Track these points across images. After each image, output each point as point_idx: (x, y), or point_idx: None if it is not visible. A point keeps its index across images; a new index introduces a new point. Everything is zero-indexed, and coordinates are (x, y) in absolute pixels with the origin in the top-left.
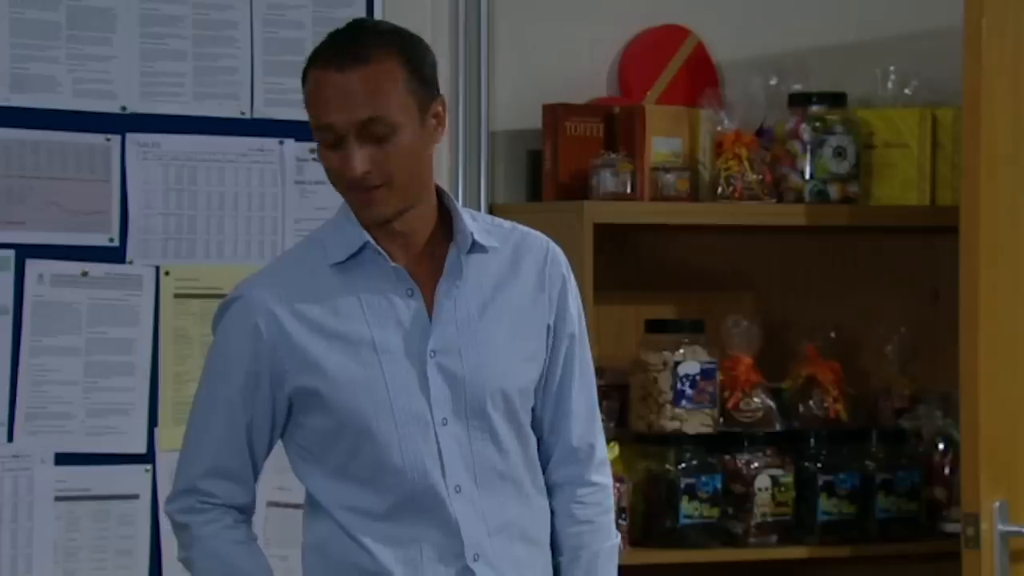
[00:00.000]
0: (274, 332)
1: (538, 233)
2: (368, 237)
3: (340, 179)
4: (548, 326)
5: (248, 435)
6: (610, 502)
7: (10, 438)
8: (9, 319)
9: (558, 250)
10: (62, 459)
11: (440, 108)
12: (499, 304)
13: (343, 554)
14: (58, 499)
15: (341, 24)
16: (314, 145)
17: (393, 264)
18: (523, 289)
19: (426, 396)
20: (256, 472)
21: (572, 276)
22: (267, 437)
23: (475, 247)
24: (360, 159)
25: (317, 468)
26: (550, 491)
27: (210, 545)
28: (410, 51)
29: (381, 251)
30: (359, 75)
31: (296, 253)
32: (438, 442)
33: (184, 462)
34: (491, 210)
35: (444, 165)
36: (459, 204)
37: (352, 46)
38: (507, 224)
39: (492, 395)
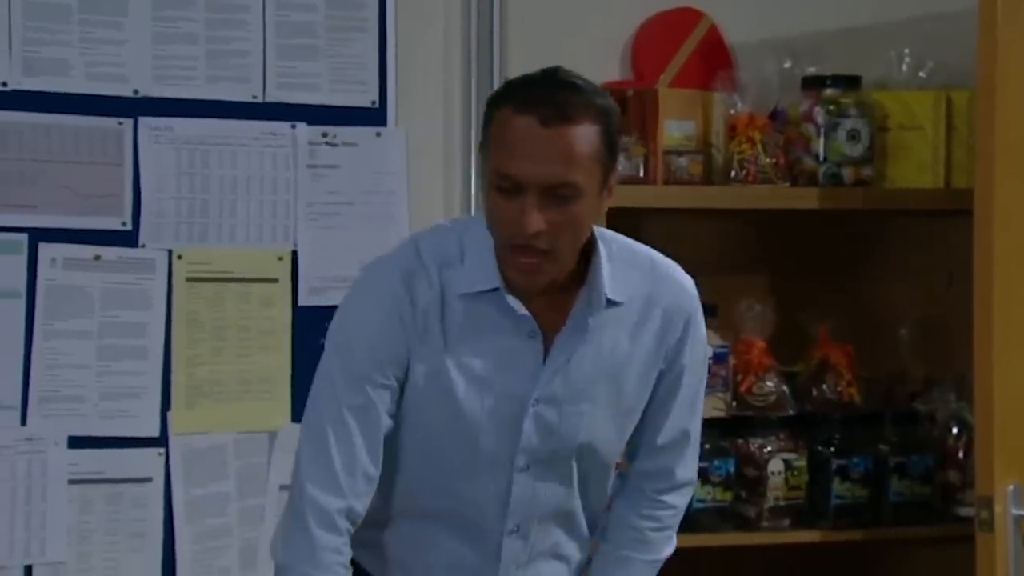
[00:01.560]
0: (408, 327)
1: (672, 274)
2: (500, 283)
3: (505, 230)
4: (660, 371)
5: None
6: (672, 521)
7: (23, 421)
8: (22, 303)
9: (688, 293)
10: (75, 442)
11: (614, 180)
12: (612, 367)
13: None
14: (71, 482)
15: (352, 8)
16: (326, 129)
17: (522, 312)
18: (641, 353)
19: (515, 441)
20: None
21: (698, 321)
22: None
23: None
24: (536, 219)
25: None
26: (625, 483)
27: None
28: (609, 119)
29: (511, 301)
30: (562, 135)
31: (437, 257)
32: (510, 488)
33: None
34: None
35: (457, 145)
36: (601, 248)
37: (559, 101)
38: (644, 260)
39: (581, 450)
